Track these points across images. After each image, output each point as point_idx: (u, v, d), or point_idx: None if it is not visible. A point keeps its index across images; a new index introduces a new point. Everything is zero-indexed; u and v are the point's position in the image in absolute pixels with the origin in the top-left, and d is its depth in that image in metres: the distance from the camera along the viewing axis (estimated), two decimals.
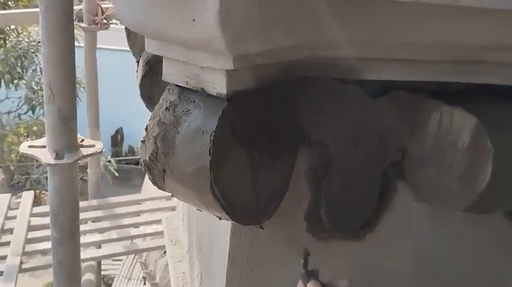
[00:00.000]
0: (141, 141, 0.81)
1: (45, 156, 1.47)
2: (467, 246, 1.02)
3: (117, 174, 6.51)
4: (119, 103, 8.09)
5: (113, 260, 5.70)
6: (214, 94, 0.74)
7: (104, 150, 1.67)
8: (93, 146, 1.56)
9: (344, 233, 0.96)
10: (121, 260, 5.74)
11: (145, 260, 3.34)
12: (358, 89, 0.87)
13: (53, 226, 1.53)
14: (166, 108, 0.78)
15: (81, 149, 1.52)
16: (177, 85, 0.79)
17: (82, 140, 1.55)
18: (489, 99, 0.87)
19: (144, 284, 5.07)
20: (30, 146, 1.53)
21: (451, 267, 1.01)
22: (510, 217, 0.99)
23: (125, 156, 9.70)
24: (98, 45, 3.37)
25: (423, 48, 0.81)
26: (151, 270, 3.25)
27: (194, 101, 0.76)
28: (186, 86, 0.78)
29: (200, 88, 0.75)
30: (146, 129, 0.80)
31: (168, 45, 0.76)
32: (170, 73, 0.80)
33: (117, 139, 10.45)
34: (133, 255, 5.06)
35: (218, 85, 0.73)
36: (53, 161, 1.45)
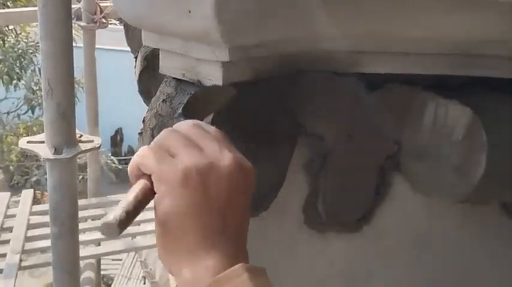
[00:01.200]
0: (139, 133, 0.82)
1: (44, 151, 1.48)
2: (464, 238, 1.02)
3: (120, 167, 6.51)
4: (119, 104, 8.11)
5: (112, 259, 5.71)
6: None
7: (103, 150, 1.67)
8: (92, 141, 1.57)
9: (341, 225, 0.97)
10: (121, 259, 5.74)
11: (145, 259, 3.35)
12: (354, 82, 0.87)
13: (53, 222, 1.54)
14: (163, 100, 0.79)
15: (79, 144, 1.53)
16: (173, 77, 0.80)
17: (81, 136, 1.56)
18: (484, 92, 0.88)
19: (144, 283, 5.07)
20: (29, 142, 1.54)
21: (448, 259, 1.02)
22: (506, 208, 0.99)
23: (125, 156, 9.72)
24: (96, 46, 3.38)
25: (419, 42, 0.82)
26: (151, 269, 3.26)
27: (191, 93, 0.77)
28: (183, 79, 0.78)
29: (197, 80, 0.76)
30: (144, 121, 0.81)
31: (165, 37, 0.77)
32: (167, 66, 0.81)
33: (116, 140, 10.48)
34: (133, 254, 5.07)
35: (214, 77, 0.74)
36: (51, 156, 1.46)
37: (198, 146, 0.54)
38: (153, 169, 0.52)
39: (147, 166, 0.53)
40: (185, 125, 0.57)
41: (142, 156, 0.54)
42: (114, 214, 0.49)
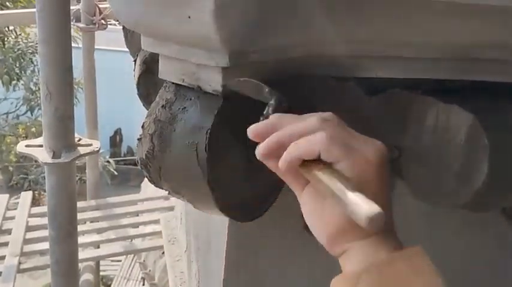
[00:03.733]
0: (138, 139, 0.81)
1: (43, 155, 1.47)
2: (464, 245, 1.02)
3: (116, 173, 6.52)
4: (118, 104, 8.11)
5: (111, 260, 5.70)
6: (210, 91, 0.74)
7: (102, 151, 1.67)
8: (91, 145, 1.57)
9: None
10: (120, 260, 5.74)
11: (144, 261, 3.34)
12: (354, 87, 0.87)
13: (51, 225, 1.53)
14: (163, 105, 0.78)
15: (78, 148, 1.52)
16: (173, 83, 0.79)
17: (79, 139, 1.55)
18: (485, 97, 0.87)
19: (143, 284, 5.06)
20: (27, 146, 1.54)
21: (448, 266, 1.01)
22: (507, 215, 0.99)
23: (124, 157, 9.72)
24: (96, 46, 3.38)
25: (420, 46, 0.82)
26: (150, 270, 3.25)
27: (190, 99, 0.76)
28: (182, 84, 0.78)
29: (196, 85, 0.76)
30: (143, 127, 0.80)
31: (164, 42, 0.77)
32: (166, 71, 0.80)
33: (115, 140, 10.48)
34: (132, 255, 5.06)
35: (214, 82, 0.73)
36: (50, 160, 1.46)
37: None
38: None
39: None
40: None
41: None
42: (372, 206, 0.51)
